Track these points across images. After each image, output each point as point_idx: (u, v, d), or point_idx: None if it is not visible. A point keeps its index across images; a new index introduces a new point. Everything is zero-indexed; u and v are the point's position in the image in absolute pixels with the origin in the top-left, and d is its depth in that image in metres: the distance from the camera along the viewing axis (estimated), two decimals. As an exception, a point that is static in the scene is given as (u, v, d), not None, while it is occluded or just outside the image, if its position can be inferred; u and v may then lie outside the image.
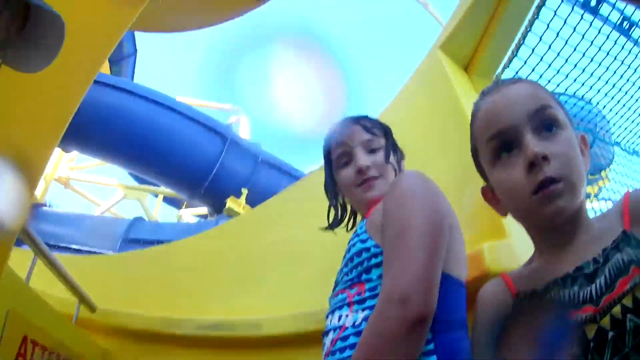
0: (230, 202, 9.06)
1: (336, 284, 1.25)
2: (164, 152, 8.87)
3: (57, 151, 11.09)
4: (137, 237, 8.78)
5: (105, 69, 11.15)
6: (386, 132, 1.42)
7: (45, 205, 10.42)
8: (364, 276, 1.12)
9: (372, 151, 1.34)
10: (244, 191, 9.19)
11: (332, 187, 1.45)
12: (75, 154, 11.54)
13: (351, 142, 1.35)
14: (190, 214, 11.70)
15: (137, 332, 2.57)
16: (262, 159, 9.71)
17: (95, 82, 8.00)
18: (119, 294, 2.80)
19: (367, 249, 1.14)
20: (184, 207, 11.81)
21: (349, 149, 1.34)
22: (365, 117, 1.43)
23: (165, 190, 11.00)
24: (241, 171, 9.42)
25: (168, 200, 12.17)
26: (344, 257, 1.24)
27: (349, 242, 1.25)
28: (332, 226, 1.49)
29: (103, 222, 10.02)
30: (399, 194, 1.13)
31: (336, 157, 1.38)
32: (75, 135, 8.33)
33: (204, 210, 10.70)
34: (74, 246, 8.59)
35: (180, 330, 2.41)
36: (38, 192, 10.97)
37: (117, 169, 10.33)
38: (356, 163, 1.31)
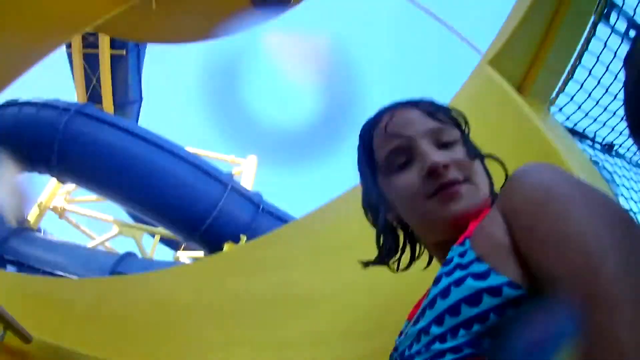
0: (227, 247, 9.03)
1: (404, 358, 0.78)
2: (163, 193, 8.96)
3: (53, 181, 11.24)
4: (125, 271, 8.64)
5: (108, 110, 11.47)
6: (457, 121, 0.96)
7: (37, 231, 10.47)
8: (487, 342, 0.63)
9: (444, 146, 0.88)
10: (243, 237, 9.18)
11: (380, 202, 0.95)
12: (72, 186, 11.66)
13: (410, 132, 0.89)
14: (187, 256, 11.66)
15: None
16: (264, 208, 9.73)
17: (98, 119, 8.45)
18: (71, 325, 2.27)
19: (494, 291, 0.64)
20: (181, 249, 11.78)
21: (409, 142, 0.88)
22: (426, 101, 0.96)
23: (161, 230, 10.98)
24: (241, 218, 9.43)
25: (165, 241, 12.15)
26: (423, 308, 0.75)
27: (435, 283, 0.74)
28: (381, 259, 0.99)
29: (92, 253, 9.98)
30: (541, 196, 0.66)
31: (387, 155, 0.90)
32: (74, 169, 8.67)
33: (201, 254, 10.66)
34: (58, 272, 8.56)
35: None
36: (31, 218, 11.04)
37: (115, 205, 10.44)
38: (426, 160, 0.84)
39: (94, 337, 2.12)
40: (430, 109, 0.92)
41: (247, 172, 12.77)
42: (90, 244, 11.83)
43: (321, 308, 1.78)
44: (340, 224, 2.12)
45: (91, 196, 11.96)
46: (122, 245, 12.44)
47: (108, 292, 2.52)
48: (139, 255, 10.45)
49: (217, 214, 9.12)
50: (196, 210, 9.12)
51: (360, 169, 1.00)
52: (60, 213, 12.16)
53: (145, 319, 2.16)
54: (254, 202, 9.75)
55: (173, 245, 12.10)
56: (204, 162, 9.79)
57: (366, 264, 1.01)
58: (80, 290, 2.67)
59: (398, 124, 0.90)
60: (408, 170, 0.86)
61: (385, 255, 0.98)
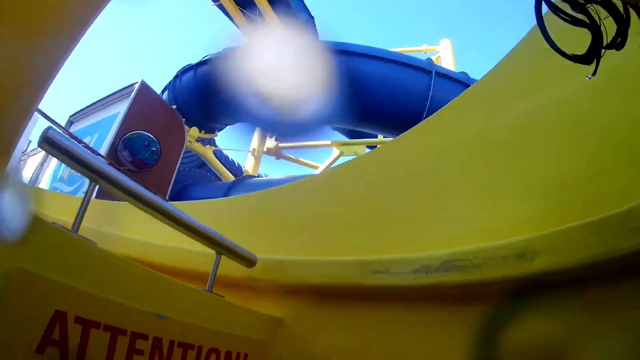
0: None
1: None
2: (373, 99, 8.81)
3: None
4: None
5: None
6: None
7: (258, 177, 11.06)
8: None
9: None
10: (465, 117, 8.64)
11: None
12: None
13: None
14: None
15: (323, 289, 1.70)
16: (474, 86, 8.99)
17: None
18: (273, 238, 2.01)
19: None
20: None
21: None
22: None
23: (382, 139, 10.96)
24: (455, 101, 8.87)
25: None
26: None
27: None
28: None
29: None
30: None
31: None
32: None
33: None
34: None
35: (390, 278, 1.52)
36: (249, 167, 11.83)
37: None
38: None
39: (323, 241, 1.90)
40: None
41: (444, 57, 12.09)
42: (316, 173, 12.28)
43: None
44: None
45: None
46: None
47: (320, 188, 2.32)
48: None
49: (430, 103, 8.76)
50: (409, 105, 8.85)
51: None
52: (276, 153, 12.75)
53: (384, 198, 1.99)
54: (462, 82, 9.12)
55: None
56: (401, 56, 9.37)
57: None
58: (285, 196, 2.47)
59: None
60: None
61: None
